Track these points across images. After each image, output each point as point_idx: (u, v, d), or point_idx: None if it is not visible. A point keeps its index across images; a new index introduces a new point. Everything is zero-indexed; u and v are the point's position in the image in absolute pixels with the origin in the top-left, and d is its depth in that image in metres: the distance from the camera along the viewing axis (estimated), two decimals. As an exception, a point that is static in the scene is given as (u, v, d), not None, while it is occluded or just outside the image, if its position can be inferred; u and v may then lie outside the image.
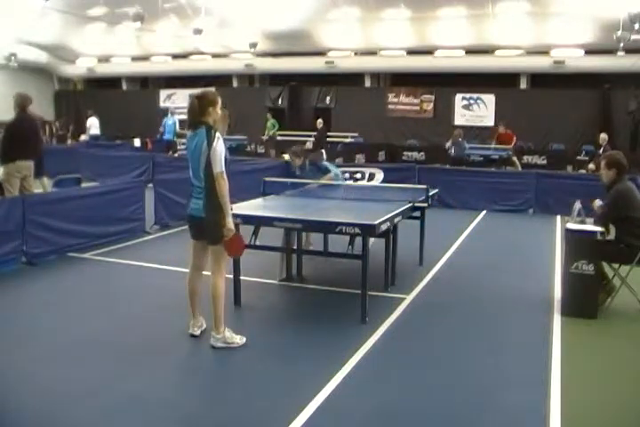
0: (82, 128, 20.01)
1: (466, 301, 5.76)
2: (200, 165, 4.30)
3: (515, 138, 15.53)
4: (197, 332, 4.67)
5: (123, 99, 24.39)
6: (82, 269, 6.60)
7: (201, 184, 4.35)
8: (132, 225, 8.18)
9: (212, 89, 4.43)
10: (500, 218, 10.50)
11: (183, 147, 17.85)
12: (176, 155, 15.92)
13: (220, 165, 4.23)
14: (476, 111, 19.55)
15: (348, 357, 4.25)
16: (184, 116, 5.40)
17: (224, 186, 4.24)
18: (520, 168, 15.29)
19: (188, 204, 4.52)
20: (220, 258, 4.45)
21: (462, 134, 14.52)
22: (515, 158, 15.59)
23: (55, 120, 22.66)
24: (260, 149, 19.58)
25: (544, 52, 18.08)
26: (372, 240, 5.51)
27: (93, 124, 18.85)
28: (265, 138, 19.87)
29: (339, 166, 11.15)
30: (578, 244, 5.22)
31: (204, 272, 4.67)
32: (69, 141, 20.26)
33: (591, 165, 12.06)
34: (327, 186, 7.01)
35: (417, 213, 6.62)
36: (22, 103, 7.65)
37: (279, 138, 20.41)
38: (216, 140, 4.25)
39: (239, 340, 4.48)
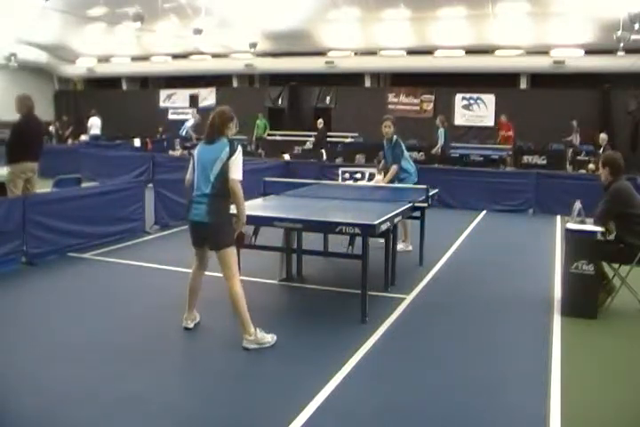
0: (82, 128, 20.00)
1: (466, 301, 5.76)
2: (213, 169, 4.32)
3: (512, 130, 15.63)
4: (191, 325, 4.71)
5: (123, 99, 24.37)
6: (82, 269, 6.60)
7: (206, 189, 4.35)
8: (131, 225, 8.17)
9: (226, 107, 4.58)
10: (500, 218, 10.50)
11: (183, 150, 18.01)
12: (177, 153, 15.94)
13: (239, 173, 4.37)
14: (476, 111, 19.53)
15: (348, 357, 4.25)
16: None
17: (240, 192, 4.39)
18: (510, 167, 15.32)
19: (189, 209, 4.47)
20: (231, 262, 4.44)
21: (444, 122, 14.42)
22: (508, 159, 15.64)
23: (55, 120, 22.65)
24: (261, 150, 19.64)
25: (544, 52, 18.07)
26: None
27: (95, 124, 18.80)
28: (253, 138, 19.96)
29: (339, 166, 11.19)
30: (578, 244, 5.22)
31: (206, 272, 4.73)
32: (69, 141, 20.24)
33: (591, 165, 12.08)
34: (326, 185, 7.00)
35: (417, 213, 6.63)
36: (27, 104, 7.61)
37: (278, 138, 20.42)
38: (238, 150, 4.38)
39: (270, 338, 4.46)
